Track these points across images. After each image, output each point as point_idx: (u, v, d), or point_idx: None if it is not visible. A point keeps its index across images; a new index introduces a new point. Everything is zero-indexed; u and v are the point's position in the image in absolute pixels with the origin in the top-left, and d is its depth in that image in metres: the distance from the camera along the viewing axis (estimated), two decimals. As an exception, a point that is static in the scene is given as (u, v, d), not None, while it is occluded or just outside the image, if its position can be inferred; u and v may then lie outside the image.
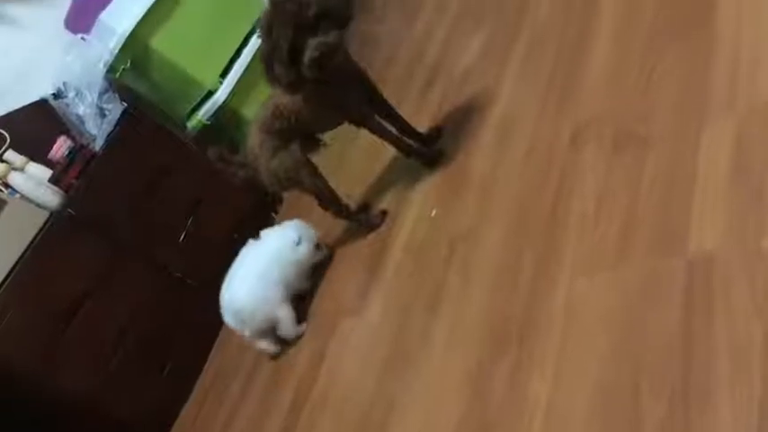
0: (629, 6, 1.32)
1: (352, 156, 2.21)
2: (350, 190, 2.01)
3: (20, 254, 1.94)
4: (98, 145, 2.22)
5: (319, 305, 1.78)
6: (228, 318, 1.75)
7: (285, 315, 1.71)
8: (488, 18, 1.90)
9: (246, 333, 1.75)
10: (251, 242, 1.81)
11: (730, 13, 1.09)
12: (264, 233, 1.82)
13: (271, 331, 1.74)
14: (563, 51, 1.41)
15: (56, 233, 1.98)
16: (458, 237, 1.35)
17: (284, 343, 1.76)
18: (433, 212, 1.49)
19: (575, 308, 0.96)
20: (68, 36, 2.44)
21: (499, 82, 1.56)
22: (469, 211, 1.36)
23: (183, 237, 2.22)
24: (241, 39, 2.59)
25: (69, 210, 2.03)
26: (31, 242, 1.96)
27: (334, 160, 2.37)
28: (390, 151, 1.87)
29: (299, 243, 1.74)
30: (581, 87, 1.27)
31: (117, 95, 2.29)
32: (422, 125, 1.74)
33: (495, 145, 1.43)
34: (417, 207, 1.60)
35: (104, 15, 2.35)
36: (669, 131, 1.04)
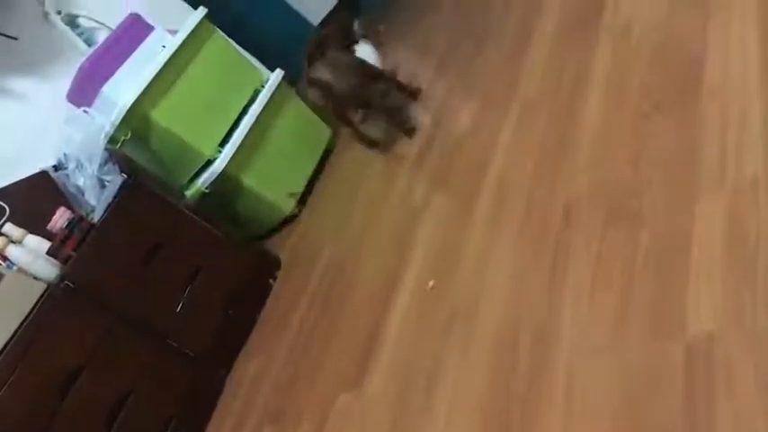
0: (618, 80, 1.36)
1: (351, 222, 2.22)
2: (343, 257, 2.02)
3: (15, 327, 1.92)
4: (97, 216, 2.22)
5: (318, 376, 1.76)
6: None
7: None
8: (479, 90, 1.95)
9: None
10: None
11: (716, 88, 1.12)
12: None
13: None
14: (553, 124, 1.44)
15: (52, 306, 1.96)
16: (455, 310, 1.35)
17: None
18: (431, 284, 1.49)
19: (574, 390, 0.95)
20: (71, 109, 2.48)
21: (491, 154, 1.59)
22: (466, 284, 1.36)
23: (180, 306, 2.21)
24: (240, 108, 2.64)
25: (66, 282, 2.03)
26: (27, 315, 1.94)
27: (332, 222, 2.38)
28: (388, 220, 1.89)
29: None
30: (572, 161, 1.30)
31: (117, 166, 2.32)
32: (418, 196, 1.77)
33: (488, 217, 1.44)
34: (414, 277, 1.60)
35: (106, 88, 2.40)
36: (661, 207, 1.06)
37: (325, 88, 2.31)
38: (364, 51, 2.40)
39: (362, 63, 2.34)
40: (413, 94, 2.37)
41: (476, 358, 1.20)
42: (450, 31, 2.71)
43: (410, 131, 2.20)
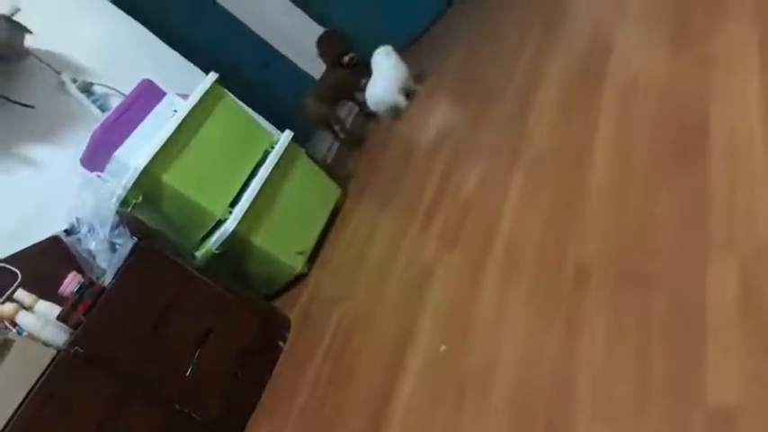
0: (623, 141, 1.36)
1: (361, 281, 2.21)
2: (353, 318, 2.00)
3: (24, 395, 1.91)
4: (108, 280, 2.23)
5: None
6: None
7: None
8: (485, 149, 1.97)
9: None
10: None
11: (722, 150, 1.12)
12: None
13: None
14: (560, 185, 1.44)
15: (60, 372, 1.95)
16: (468, 375, 1.33)
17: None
18: (443, 348, 1.47)
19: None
20: (84, 174, 2.52)
21: (499, 214, 1.59)
22: (478, 348, 1.34)
23: (190, 370, 2.18)
24: (250, 169, 2.68)
25: (76, 348, 2.02)
26: (36, 382, 1.93)
27: (341, 282, 2.37)
28: (398, 280, 1.88)
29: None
30: (581, 222, 1.29)
31: (127, 230, 2.34)
32: (427, 256, 1.76)
33: (499, 279, 1.43)
34: (426, 340, 1.58)
35: (119, 153, 2.44)
36: (673, 270, 1.04)
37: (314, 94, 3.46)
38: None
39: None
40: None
41: (489, 427, 1.17)
42: (455, 90, 2.76)
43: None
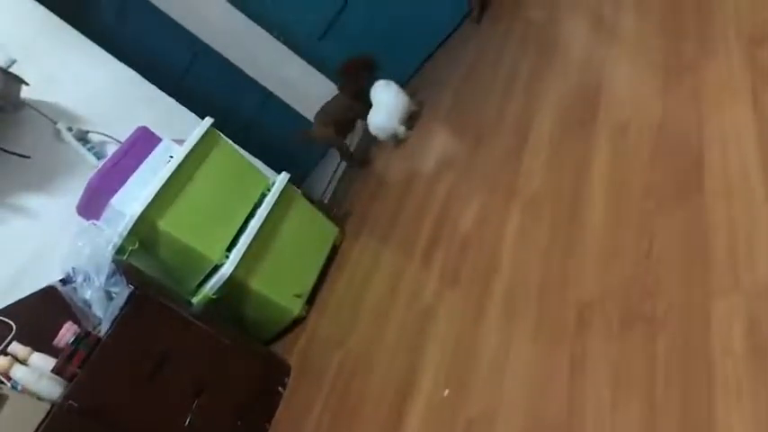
0: (619, 178, 1.35)
1: (361, 324, 2.18)
2: (354, 362, 1.97)
3: (17, 452, 1.86)
4: (104, 329, 2.20)
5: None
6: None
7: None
8: (481, 186, 1.96)
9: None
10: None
11: (718, 185, 1.11)
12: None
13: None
14: (558, 223, 1.43)
15: (55, 428, 1.90)
16: (473, 420, 1.29)
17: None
18: (446, 392, 1.44)
19: None
20: (80, 222, 2.51)
21: (498, 253, 1.57)
22: (482, 392, 1.31)
23: (188, 420, 2.14)
24: (247, 212, 2.67)
25: (70, 401, 1.97)
26: (30, 438, 1.88)
27: (341, 325, 2.34)
28: (398, 322, 1.85)
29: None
30: (580, 260, 1.28)
31: (124, 278, 2.31)
32: (427, 296, 1.74)
33: (501, 320, 1.41)
34: (428, 384, 1.54)
35: (115, 200, 2.44)
36: (677, 309, 1.02)
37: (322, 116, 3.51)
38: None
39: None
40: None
41: (496, 477, 1.13)
42: (450, 127, 2.77)
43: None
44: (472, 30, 3.45)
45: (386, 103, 3.16)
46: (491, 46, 2.96)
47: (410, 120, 3.20)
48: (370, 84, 3.32)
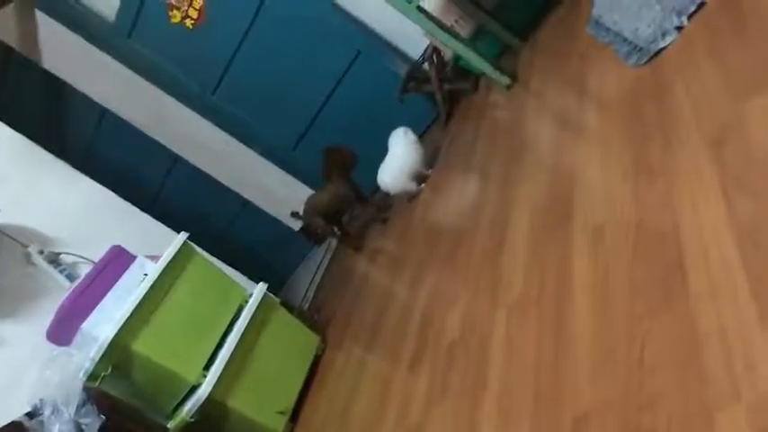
0: (601, 283, 1.34)
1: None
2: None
3: None
4: (73, 467, 2.06)
5: None
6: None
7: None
8: (462, 291, 1.94)
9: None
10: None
11: (702, 287, 1.10)
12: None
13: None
14: (545, 332, 1.40)
15: None
16: None
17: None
18: None
19: None
20: (50, 349, 2.41)
21: (486, 364, 1.52)
22: None
23: None
24: (224, 328, 2.59)
25: None
26: None
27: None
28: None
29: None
30: (572, 372, 1.24)
31: (95, 407, 2.19)
32: (415, 411, 1.66)
33: (495, 438, 1.34)
34: None
35: (86, 325, 2.36)
36: (677, 424, 0.98)
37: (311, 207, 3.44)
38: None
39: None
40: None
41: None
42: (426, 230, 2.78)
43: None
44: (440, 133, 3.55)
45: (397, 157, 3.12)
46: (461, 147, 3.03)
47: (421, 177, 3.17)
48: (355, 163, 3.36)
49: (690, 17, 1.67)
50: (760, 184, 1.12)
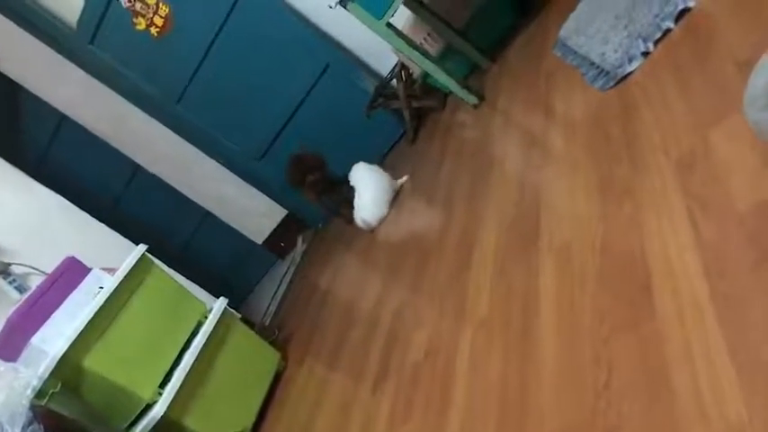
0: (567, 305, 1.33)
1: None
2: None
3: None
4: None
5: None
6: None
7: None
8: (428, 312, 1.92)
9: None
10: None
11: (668, 310, 1.10)
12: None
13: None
14: (510, 356, 1.38)
15: None
16: None
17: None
18: None
19: None
20: (-4, 365, 2.29)
21: (451, 388, 1.50)
22: None
23: None
24: (182, 344, 2.51)
25: None
26: None
27: None
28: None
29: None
30: (538, 398, 1.22)
31: (42, 427, 2.09)
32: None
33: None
34: None
35: (35, 339, 2.25)
36: (646, 449, 0.97)
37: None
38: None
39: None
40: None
41: None
42: (390, 249, 2.75)
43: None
44: (408, 149, 3.54)
45: (370, 189, 3.08)
46: (427, 165, 3.03)
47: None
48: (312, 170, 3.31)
49: (656, 43, 1.70)
50: (725, 207, 1.13)
